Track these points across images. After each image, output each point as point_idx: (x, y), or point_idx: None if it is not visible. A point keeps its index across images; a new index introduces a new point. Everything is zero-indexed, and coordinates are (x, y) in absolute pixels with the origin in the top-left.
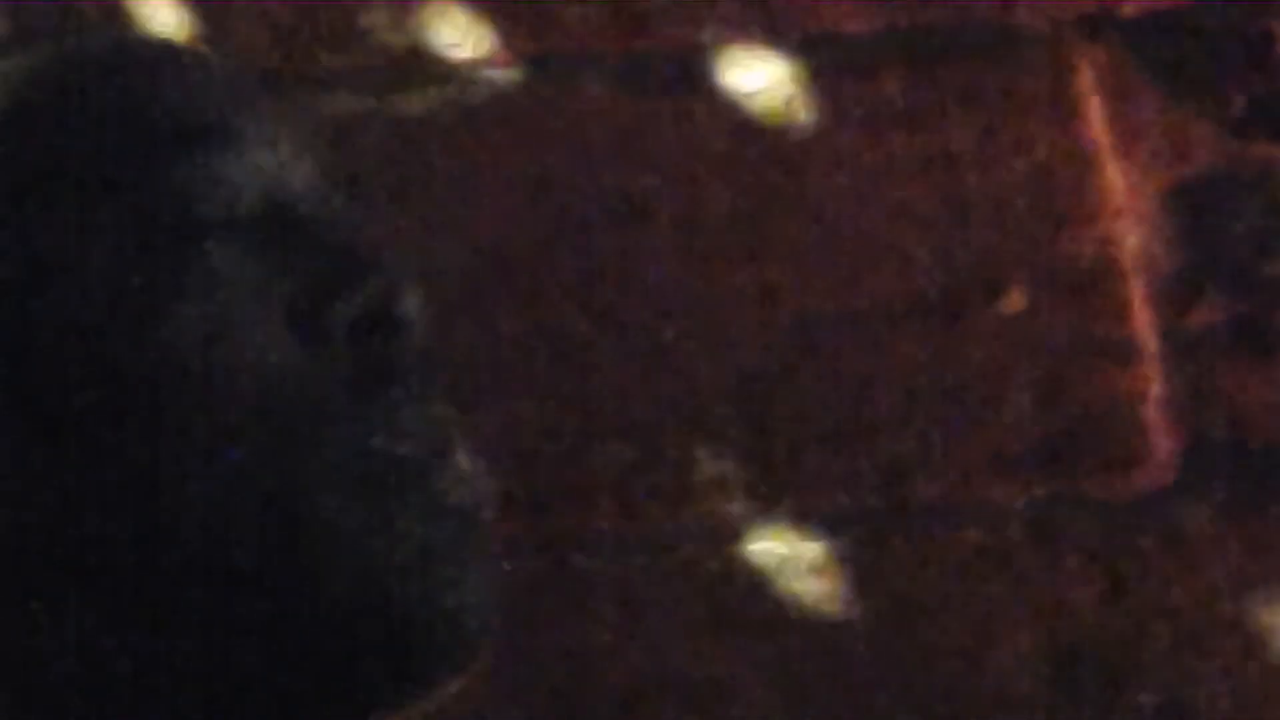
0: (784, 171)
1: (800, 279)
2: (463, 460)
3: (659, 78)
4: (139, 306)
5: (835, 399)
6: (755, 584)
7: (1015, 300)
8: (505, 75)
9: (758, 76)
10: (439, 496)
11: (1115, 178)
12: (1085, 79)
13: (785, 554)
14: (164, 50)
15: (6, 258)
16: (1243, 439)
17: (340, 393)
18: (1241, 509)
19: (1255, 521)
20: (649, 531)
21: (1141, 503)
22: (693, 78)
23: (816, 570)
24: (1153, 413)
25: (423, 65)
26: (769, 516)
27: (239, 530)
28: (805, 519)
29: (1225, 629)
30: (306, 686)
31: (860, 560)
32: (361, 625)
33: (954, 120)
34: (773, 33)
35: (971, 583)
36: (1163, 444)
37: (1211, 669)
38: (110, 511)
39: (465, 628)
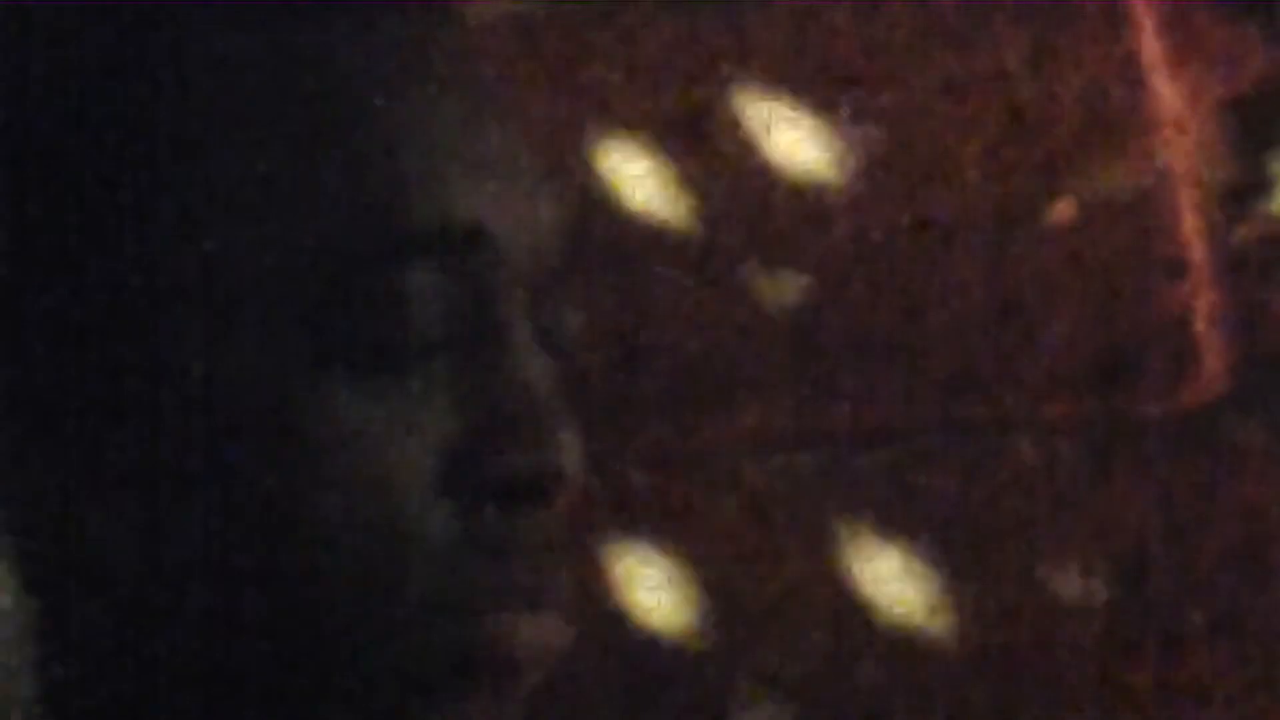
0: (838, 88)
1: (852, 196)
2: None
3: None
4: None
5: (887, 315)
6: (801, 497)
7: (1065, 211)
8: None
9: None
10: (510, 656)
11: (1167, 92)
12: None
13: (831, 469)
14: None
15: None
16: None
17: (480, 561)
18: None
19: None
20: (698, 445)
21: (1192, 418)
22: None
23: (864, 485)
24: (1203, 327)
25: None
26: (817, 431)
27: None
28: (854, 434)
29: (1277, 544)
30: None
31: (909, 476)
32: None
33: (1005, 38)
34: None
35: (1022, 499)
36: (1213, 359)
37: (1263, 585)
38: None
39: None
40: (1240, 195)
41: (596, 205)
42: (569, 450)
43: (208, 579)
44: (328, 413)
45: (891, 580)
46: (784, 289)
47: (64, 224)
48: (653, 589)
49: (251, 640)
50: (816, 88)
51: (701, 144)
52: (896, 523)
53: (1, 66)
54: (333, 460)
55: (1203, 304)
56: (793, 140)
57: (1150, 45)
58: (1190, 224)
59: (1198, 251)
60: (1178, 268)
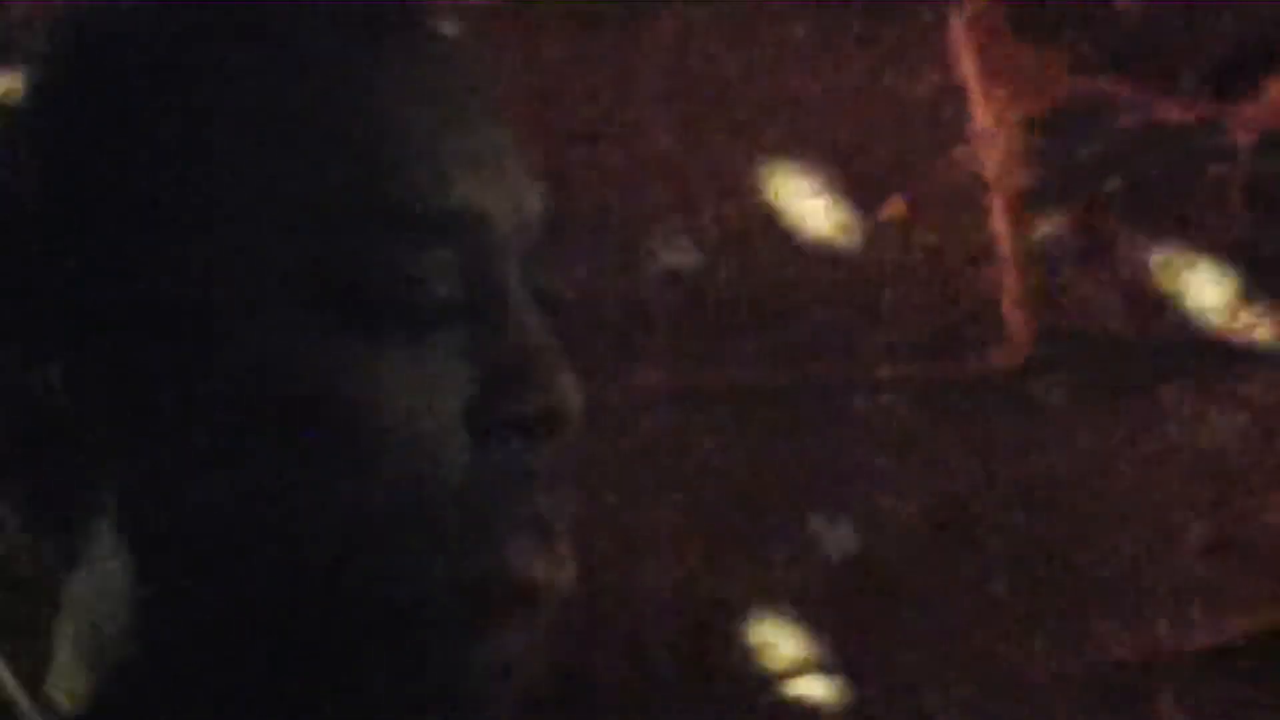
0: (717, 96)
1: (718, 199)
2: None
3: None
4: (324, 370)
5: (751, 290)
6: (685, 444)
7: (897, 208)
8: None
9: None
10: (531, 584)
11: (981, 110)
12: (958, 29)
13: (704, 419)
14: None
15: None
16: (1083, 328)
17: (499, 486)
18: (1084, 384)
19: (1095, 394)
20: (604, 395)
21: (1001, 380)
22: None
23: (731, 432)
24: (1009, 305)
25: None
26: (696, 388)
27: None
28: (724, 390)
29: (1069, 485)
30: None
31: (771, 425)
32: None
33: (847, 61)
34: None
35: (864, 447)
36: (1018, 332)
37: (1057, 520)
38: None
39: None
40: (1041, 197)
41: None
42: (570, 390)
43: (274, 522)
44: (364, 370)
45: (752, 515)
46: (673, 263)
47: (125, 225)
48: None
49: (309, 577)
50: (696, 96)
51: (592, 145)
52: (759, 464)
53: (41, 79)
54: (369, 410)
55: (1010, 286)
56: (684, 141)
57: (968, 70)
58: (1000, 221)
59: (1005, 243)
60: (989, 256)
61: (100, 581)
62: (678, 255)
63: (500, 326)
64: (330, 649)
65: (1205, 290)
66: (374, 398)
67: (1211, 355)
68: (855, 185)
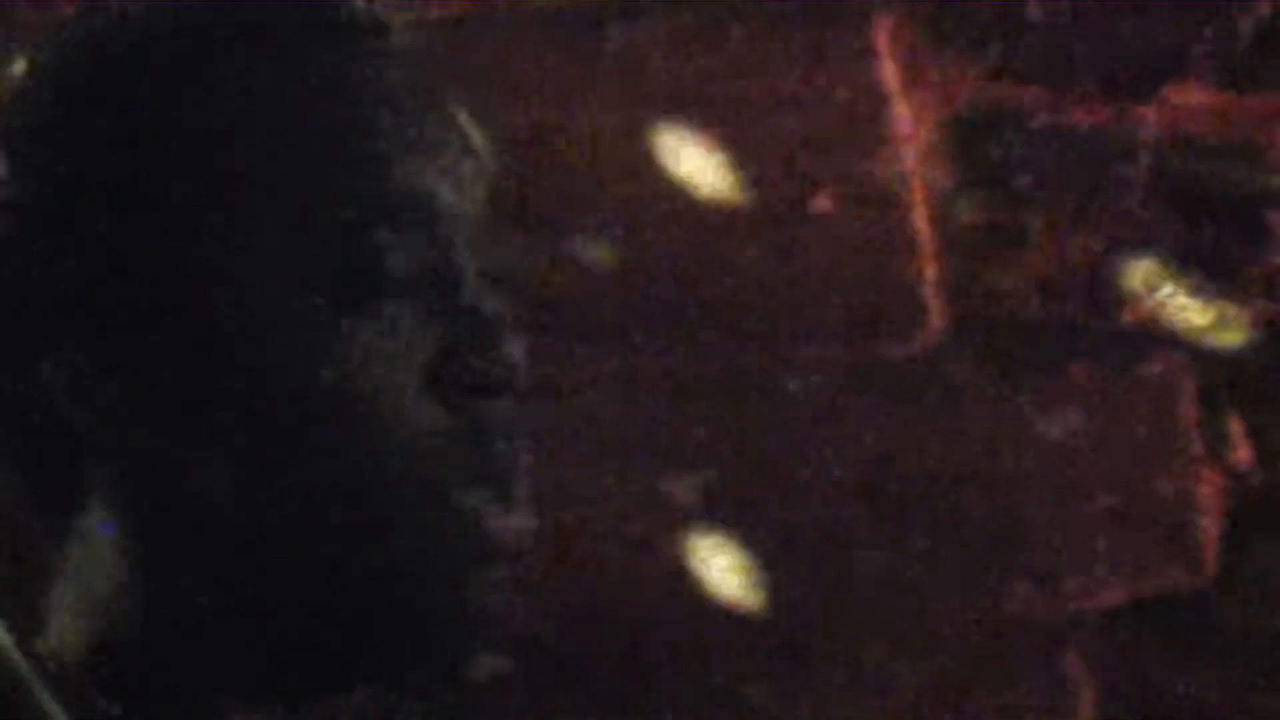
0: (660, 96)
1: (659, 193)
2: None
3: None
4: (301, 338)
5: (690, 283)
6: (625, 421)
7: (824, 204)
8: None
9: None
10: (493, 539)
11: (902, 113)
12: (881, 37)
13: (647, 399)
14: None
15: (173, 261)
16: (996, 314)
17: (463, 444)
18: (997, 365)
19: (1008, 375)
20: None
21: (920, 360)
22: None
23: (669, 412)
24: (929, 291)
25: None
26: (640, 372)
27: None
28: (667, 374)
29: (983, 455)
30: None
31: (710, 404)
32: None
33: (781, 69)
34: None
35: (793, 421)
36: (936, 316)
37: (976, 486)
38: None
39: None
40: (957, 193)
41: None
42: (515, 356)
43: (262, 487)
44: (337, 339)
45: (687, 483)
46: (610, 253)
47: (142, 223)
48: None
49: (295, 539)
50: (639, 108)
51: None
52: (690, 442)
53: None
54: (342, 372)
55: (929, 273)
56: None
57: (890, 74)
58: (920, 213)
59: (925, 234)
60: (910, 246)
61: (94, 550)
62: (615, 246)
63: (454, 298)
64: (314, 608)
65: (1109, 279)
66: (345, 366)
67: (1115, 339)
68: (786, 181)
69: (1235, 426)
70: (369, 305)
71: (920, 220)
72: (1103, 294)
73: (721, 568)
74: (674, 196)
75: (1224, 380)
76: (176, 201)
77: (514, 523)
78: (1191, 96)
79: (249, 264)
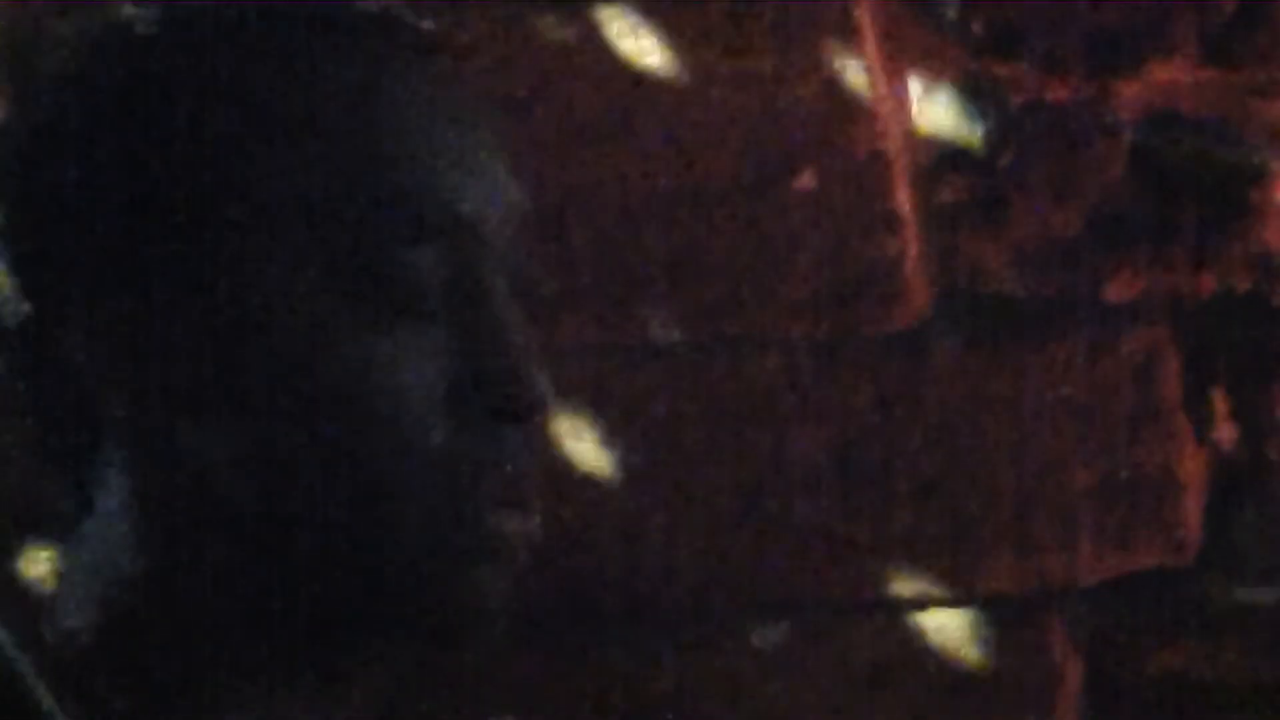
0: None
1: (641, 164)
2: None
3: None
4: (332, 347)
5: (671, 255)
6: (605, 393)
7: (807, 180)
8: None
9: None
10: (499, 539)
11: (883, 86)
12: (863, 13)
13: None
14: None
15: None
16: (978, 289)
17: (476, 460)
18: (978, 340)
19: (989, 349)
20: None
21: (903, 336)
22: None
23: (652, 389)
24: (911, 267)
25: None
26: (620, 344)
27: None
28: (645, 345)
29: (965, 429)
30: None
31: (689, 378)
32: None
33: (760, 45)
34: None
35: (773, 395)
36: (918, 291)
37: (956, 461)
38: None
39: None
40: (939, 168)
41: None
42: (540, 382)
43: (280, 480)
44: (364, 353)
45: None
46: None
47: (168, 225)
48: None
49: (311, 532)
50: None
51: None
52: (668, 422)
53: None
54: (368, 386)
55: (911, 250)
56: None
57: (871, 50)
58: (902, 190)
59: (907, 210)
60: (892, 223)
61: (104, 526)
62: (599, 221)
63: (482, 322)
64: (327, 595)
65: (1090, 254)
66: (367, 369)
67: (1095, 313)
68: (770, 157)
69: (1219, 403)
70: (393, 318)
71: (902, 196)
72: (1081, 269)
73: (699, 547)
74: (653, 174)
75: (1207, 357)
76: (207, 206)
77: (524, 523)
78: (1174, 73)
79: (279, 271)
